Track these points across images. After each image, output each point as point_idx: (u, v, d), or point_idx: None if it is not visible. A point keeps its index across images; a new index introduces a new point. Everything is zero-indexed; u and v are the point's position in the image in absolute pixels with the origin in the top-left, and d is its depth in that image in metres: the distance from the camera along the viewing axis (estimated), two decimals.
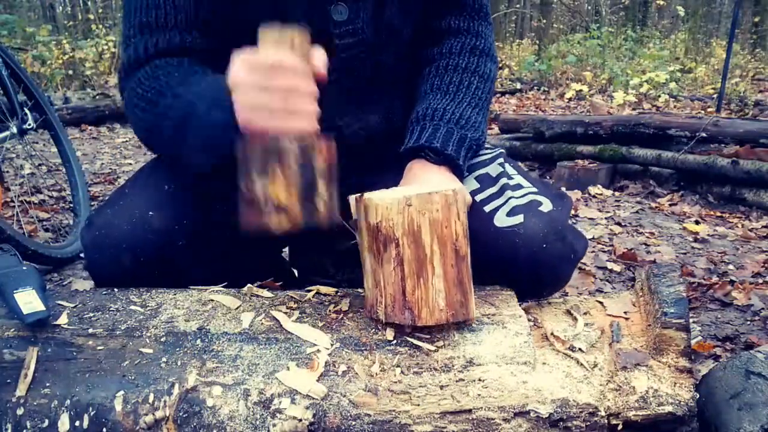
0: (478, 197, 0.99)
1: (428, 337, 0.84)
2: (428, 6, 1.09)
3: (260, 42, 0.79)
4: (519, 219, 0.93)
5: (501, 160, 1.06)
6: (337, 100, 1.08)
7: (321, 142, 0.79)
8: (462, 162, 0.98)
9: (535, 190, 1.00)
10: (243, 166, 0.77)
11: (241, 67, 0.79)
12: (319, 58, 0.81)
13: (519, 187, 1.00)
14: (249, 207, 0.78)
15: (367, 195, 0.84)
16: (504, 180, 1.01)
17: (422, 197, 0.79)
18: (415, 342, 0.83)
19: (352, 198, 0.87)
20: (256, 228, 0.78)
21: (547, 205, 0.96)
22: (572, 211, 2.84)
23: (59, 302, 0.89)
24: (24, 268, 0.92)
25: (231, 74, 0.80)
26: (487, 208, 0.97)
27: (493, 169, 1.03)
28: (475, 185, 1.01)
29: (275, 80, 0.77)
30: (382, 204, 0.80)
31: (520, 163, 1.26)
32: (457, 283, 0.82)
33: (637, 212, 3.07)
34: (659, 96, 6.95)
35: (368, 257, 0.84)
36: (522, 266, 0.93)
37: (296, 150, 0.77)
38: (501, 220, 0.94)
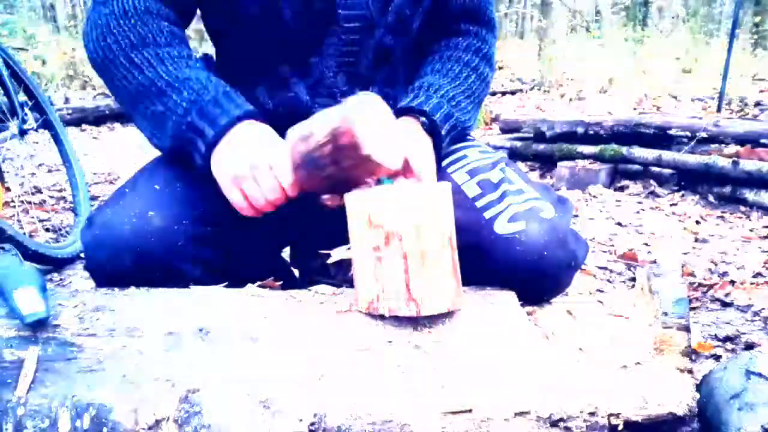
0: (479, 203, 0.98)
1: (429, 336, 0.84)
2: (444, 8, 1.14)
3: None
4: (520, 226, 0.93)
5: (503, 165, 1.06)
6: (340, 80, 1.08)
7: None
8: (443, 133, 1.04)
9: (536, 195, 0.99)
10: None
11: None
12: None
13: (520, 192, 0.99)
14: None
15: (359, 193, 0.85)
16: (505, 186, 1.00)
17: (424, 192, 0.81)
18: (416, 342, 0.83)
19: (346, 196, 0.87)
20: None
21: (548, 212, 0.95)
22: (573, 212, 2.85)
23: (60, 302, 0.89)
24: (24, 267, 0.92)
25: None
26: (488, 215, 0.96)
27: (494, 175, 1.03)
28: (477, 191, 1.00)
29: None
30: (385, 202, 0.80)
31: (521, 164, 1.29)
32: (452, 273, 0.85)
33: (637, 212, 3.07)
34: (660, 96, 6.94)
35: (366, 254, 0.84)
36: (522, 273, 0.93)
37: None
38: (502, 227, 0.94)
